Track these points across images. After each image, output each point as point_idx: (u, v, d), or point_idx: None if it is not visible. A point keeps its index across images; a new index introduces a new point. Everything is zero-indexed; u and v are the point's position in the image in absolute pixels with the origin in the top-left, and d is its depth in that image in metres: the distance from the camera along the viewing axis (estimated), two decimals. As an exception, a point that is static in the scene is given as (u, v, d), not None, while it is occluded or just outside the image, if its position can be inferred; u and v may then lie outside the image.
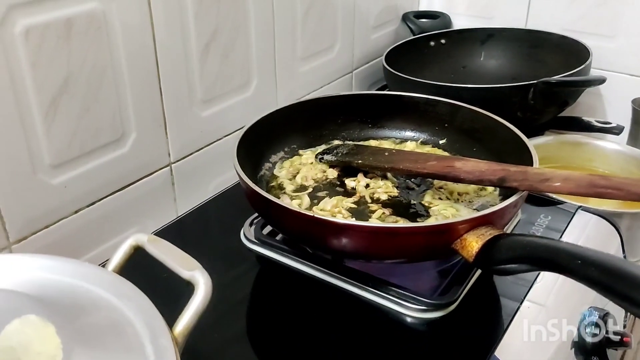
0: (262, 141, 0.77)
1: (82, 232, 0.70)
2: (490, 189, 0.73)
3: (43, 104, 0.62)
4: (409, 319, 0.61)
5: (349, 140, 0.85)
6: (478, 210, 0.69)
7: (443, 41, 1.22)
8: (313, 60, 1.03)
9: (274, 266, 0.69)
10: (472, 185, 0.72)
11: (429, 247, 0.60)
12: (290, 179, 0.76)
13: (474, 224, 0.57)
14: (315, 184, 0.75)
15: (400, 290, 0.62)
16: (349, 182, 0.74)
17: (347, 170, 0.77)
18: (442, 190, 0.73)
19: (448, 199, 0.72)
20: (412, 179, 0.75)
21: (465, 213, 0.69)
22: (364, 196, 0.72)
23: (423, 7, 1.32)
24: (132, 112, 0.73)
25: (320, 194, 0.73)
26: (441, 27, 1.25)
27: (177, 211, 0.82)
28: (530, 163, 0.65)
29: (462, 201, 0.71)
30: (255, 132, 0.74)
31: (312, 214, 0.60)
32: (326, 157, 0.78)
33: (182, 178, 0.82)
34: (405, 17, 1.26)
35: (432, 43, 1.22)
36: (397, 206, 0.70)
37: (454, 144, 0.82)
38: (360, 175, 0.75)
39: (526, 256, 0.52)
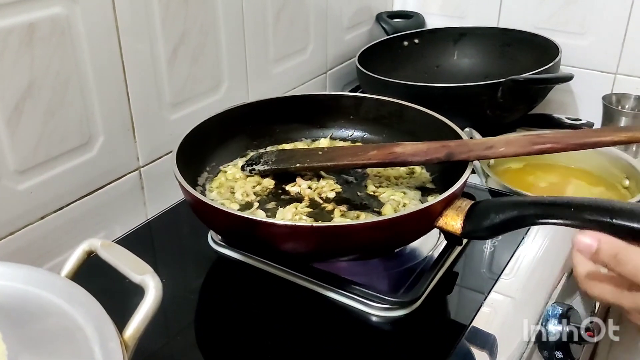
0: (188, 166, 0.72)
1: (49, 238, 0.70)
2: (418, 169, 0.78)
3: (6, 110, 0.62)
4: (373, 318, 0.61)
5: (262, 148, 0.83)
6: (419, 189, 0.74)
7: (416, 41, 1.23)
8: (286, 61, 1.03)
9: (240, 267, 0.69)
10: (403, 169, 0.78)
11: (415, 231, 0.63)
12: (229, 199, 0.73)
13: (450, 199, 0.61)
14: (259, 197, 0.73)
15: (364, 289, 0.62)
16: (291, 188, 0.73)
17: (280, 176, 0.76)
18: (378, 177, 0.76)
19: (387, 185, 0.74)
20: (347, 174, 0.77)
21: (411, 194, 0.72)
22: (313, 198, 0.72)
23: (397, 7, 1.32)
24: (99, 117, 0.73)
25: (269, 205, 0.71)
26: (415, 27, 1.26)
27: (147, 215, 0.82)
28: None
29: (400, 184, 0.75)
30: (181, 159, 0.69)
31: (310, 224, 0.59)
32: (257, 167, 0.76)
33: (151, 182, 0.82)
34: (379, 18, 1.26)
35: (405, 43, 1.22)
36: (348, 201, 0.71)
37: (362, 133, 0.86)
38: (299, 179, 0.74)
39: (517, 215, 0.56)
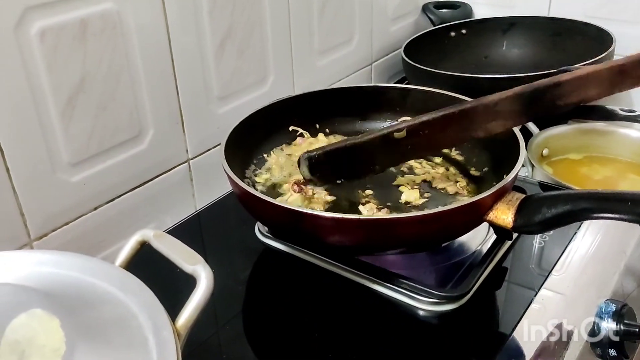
0: (236, 159, 0.72)
1: (102, 228, 0.72)
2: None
3: (60, 104, 0.64)
4: (420, 312, 0.61)
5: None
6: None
7: (464, 31, 1.21)
8: (331, 53, 1.03)
9: (287, 259, 0.70)
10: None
11: (465, 225, 0.63)
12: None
13: (501, 192, 0.60)
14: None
15: (411, 283, 0.61)
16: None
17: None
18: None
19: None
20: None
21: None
22: None
23: (443, -4, 1.31)
24: (149, 110, 0.74)
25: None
26: (462, 17, 1.24)
27: (196, 206, 0.84)
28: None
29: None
30: (229, 152, 0.70)
31: (357, 217, 0.59)
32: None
33: (200, 173, 0.83)
34: (425, 8, 1.25)
35: (452, 33, 1.21)
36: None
37: None
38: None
39: (570, 209, 0.55)
